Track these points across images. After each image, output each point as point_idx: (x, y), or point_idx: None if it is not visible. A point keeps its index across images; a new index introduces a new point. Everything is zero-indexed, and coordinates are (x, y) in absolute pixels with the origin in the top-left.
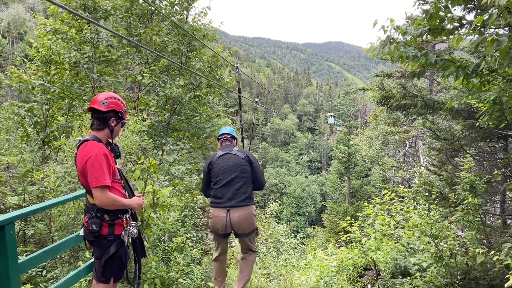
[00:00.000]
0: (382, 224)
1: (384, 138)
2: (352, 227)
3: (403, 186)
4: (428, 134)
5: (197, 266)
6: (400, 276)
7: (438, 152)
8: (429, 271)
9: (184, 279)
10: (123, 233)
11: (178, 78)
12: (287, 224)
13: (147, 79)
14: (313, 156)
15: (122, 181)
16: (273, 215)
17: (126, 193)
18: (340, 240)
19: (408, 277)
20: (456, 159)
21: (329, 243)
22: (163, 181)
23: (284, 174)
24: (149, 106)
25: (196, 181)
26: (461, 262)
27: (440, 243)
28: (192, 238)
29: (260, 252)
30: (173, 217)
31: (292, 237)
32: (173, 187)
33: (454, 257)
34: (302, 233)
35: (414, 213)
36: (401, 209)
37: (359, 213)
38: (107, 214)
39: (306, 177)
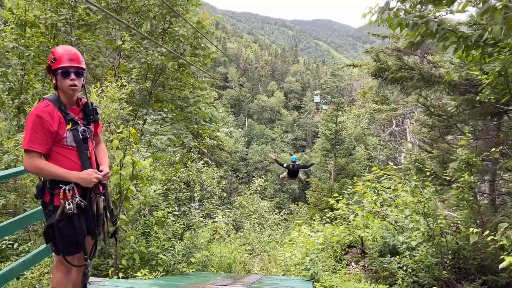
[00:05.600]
0: (371, 202)
1: (371, 116)
2: (339, 204)
3: (392, 164)
4: (416, 112)
5: (178, 241)
6: (388, 255)
7: (430, 129)
8: (418, 250)
9: (164, 255)
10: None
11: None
12: (271, 200)
13: (128, 44)
14: (298, 134)
15: (76, 148)
16: (257, 191)
17: (86, 164)
18: (325, 216)
19: (398, 256)
20: (449, 136)
21: (314, 220)
22: (144, 152)
23: (269, 151)
24: (130, 74)
25: (179, 155)
26: (451, 242)
27: (432, 222)
28: (174, 213)
29: (244, 228)
30: (155, 190)
31: (276, 213)
32: (155, 161)
33: (444, 236)
34: (286, 209)
35: (403, 190)
36: (388, 187)
37: (345, 191)
38: (48, 181)
39: (291, 154)
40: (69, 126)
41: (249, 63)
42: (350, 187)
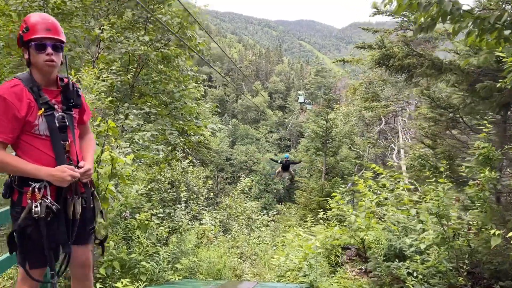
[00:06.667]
0: (371, 201)
1: (360, 114)
2: (339, 204)
3: (392, 160)
4: (408, 110)
5: (163, 246)
6: (396, 260)
7: (433, 123)
8: (428, 253)
9: (148, 262)
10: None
11: (143, 33)
12: (258, 200)
13: (107, 32)
14: (282, 134)
15: (50, 138)
16: (244, 191)
17: (62, 157)
18: (317, 217)
19: (408, 261)
20: (453, 131)
21: (306, 221)
22: (124, 147)
23: (253, 151)
24: (110, 65)
25: (163, 153)
26: (463, 244)
27: (446, 223)
28: (159, 215)
29: (232, 230)
30: (137, 190)
31: (264, 214)
32: (138, 160)
33: (457, 238)
34: (274, 210)
35: (404, 189)
36: (384, 186)
37: (336, 190)
38: (16, 177)
39: (276, 155)
40: (40, 112)
41: (234, 62)
42: (342, 186)
